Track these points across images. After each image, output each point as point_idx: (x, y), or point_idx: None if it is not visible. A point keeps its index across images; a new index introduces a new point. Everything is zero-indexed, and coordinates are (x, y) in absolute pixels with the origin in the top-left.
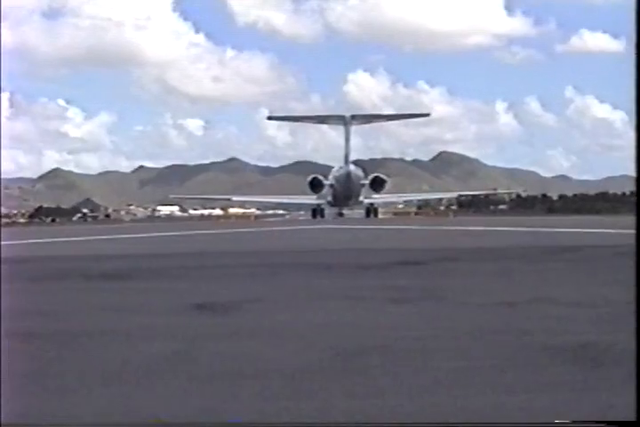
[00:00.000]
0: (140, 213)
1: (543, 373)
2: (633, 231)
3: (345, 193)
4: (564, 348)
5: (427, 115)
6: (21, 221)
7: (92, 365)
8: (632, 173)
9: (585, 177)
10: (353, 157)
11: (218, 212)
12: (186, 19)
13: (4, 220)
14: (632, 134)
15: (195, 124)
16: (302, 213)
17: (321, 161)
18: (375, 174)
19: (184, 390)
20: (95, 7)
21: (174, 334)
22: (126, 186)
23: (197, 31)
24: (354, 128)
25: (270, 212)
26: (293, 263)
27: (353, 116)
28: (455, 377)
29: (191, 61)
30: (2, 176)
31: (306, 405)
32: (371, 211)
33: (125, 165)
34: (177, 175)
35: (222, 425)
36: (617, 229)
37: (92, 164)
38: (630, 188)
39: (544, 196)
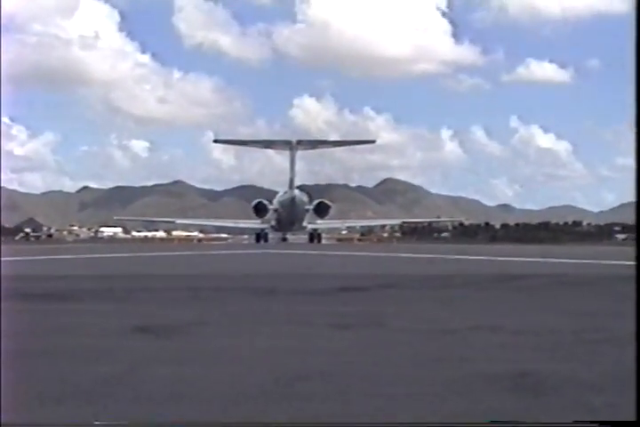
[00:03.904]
0: (83, 233)
1: (483, 400)
2: (577, 261)
3: (289, 218)
4: (504, 376)
5: (372, 142)
6: None
7: (31, 387)
8: (573, 202)
9: (528, 206)
10: (298, 182)
11: (161, 234)
12: (132, 39)
13: None
14: (576, 165)
15: (140, 146)
16: (246, 237)
17: (266, 185)
18: (319, 200)
19: (123, 412)
20: (42, 24)
21: (115, 357)
22: (70, 206)
23: (144, 51)
24: (299, 153)
25: (214, 235)
26: (236, 287)
27: (299, 142)
28: (396, 404)
29: (137, 82)
30: None
31: None
32: (314, 236)
33: (69, 185)
34: (121, 197)
35: (222, 425)
36: (559, 258)
37: (35, 183)
38: (572, 218)
39: (487, 224)
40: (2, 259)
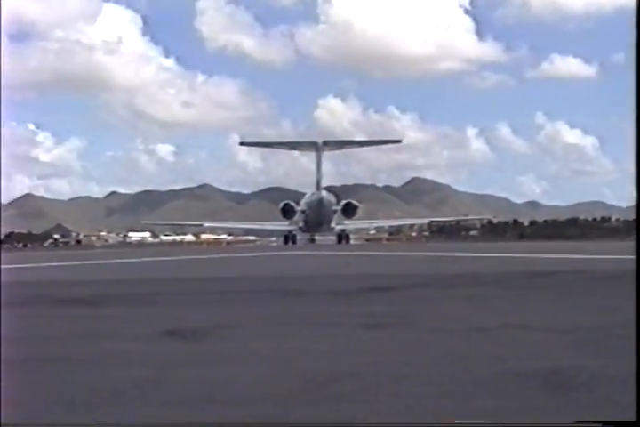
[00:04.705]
0: (112, 238)
1: (514, 398)
2: (606, 256)
3: (317, 219)
4: (534, 373)
5: (398, 141)
6: None
7: (62, 391)
8: (601, 198)
9: (555, 203)
10: (325, 183)
11: (190, 238)
12: (156, 43)
13: None
14: (603, 160)
15: (165, 150)
16: (274, 239)
17: (292, 187)
18: (347, 200)
19: (154, 416)
20: (64, 30)
21: (145, 361)
22: (98, 211)
23: (167, 56)
24: (325, 154)
25: (242, 238)
26: (265, 289)
27: (325, 143)
28: (426, 403)
29: (161, 86)
30: None
31: None
32: (342, 237)
33: (96, 191)
34: (148, 202)
35: (223, 425)
36: (588, 254)
37: (62, 189)
38: (600, 213)
39: (515, 222)
40: (33, 265)
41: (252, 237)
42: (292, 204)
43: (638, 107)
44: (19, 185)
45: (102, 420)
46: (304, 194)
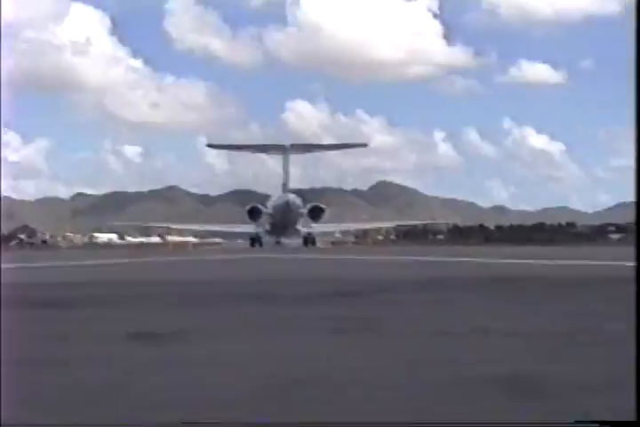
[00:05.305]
0: (78, 239)
1: (477, 403)
2: (574, 262)
3: (283, 222)
4: (497, 378)
5: (364, 145)
6: None
7: (27, 394)
8: (568, 204)
9: (522, 208)
10: (292, 186)
11: (156, 239)
12: (124, 44)
13: None
14: (570, 166)
15: (133, 151)
16: (240, 241)
17: (260, 190)
18: (314, 204)
19: (119, 419)
20: (32, 30)
21: (111, 364)
22: (64, 212)
23: (136, 56)
24: (293, 157)
25: (208, 240)
26: (231, 293)
27: (292, 146)
28: (390, 408)
29: (129, 87)
30: None
31: None
32: (309, 240)
33: (63, 192)
34: (115, 203)
35: (222, 425)
36: (553, 260)
37: (29, 189)
38: (566, 219)
39: (481, 226)
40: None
41: (218, 240)
42: (259, 206)
43: (638, 107)
44: None
45: (64, 423)
46: (271, 197)
